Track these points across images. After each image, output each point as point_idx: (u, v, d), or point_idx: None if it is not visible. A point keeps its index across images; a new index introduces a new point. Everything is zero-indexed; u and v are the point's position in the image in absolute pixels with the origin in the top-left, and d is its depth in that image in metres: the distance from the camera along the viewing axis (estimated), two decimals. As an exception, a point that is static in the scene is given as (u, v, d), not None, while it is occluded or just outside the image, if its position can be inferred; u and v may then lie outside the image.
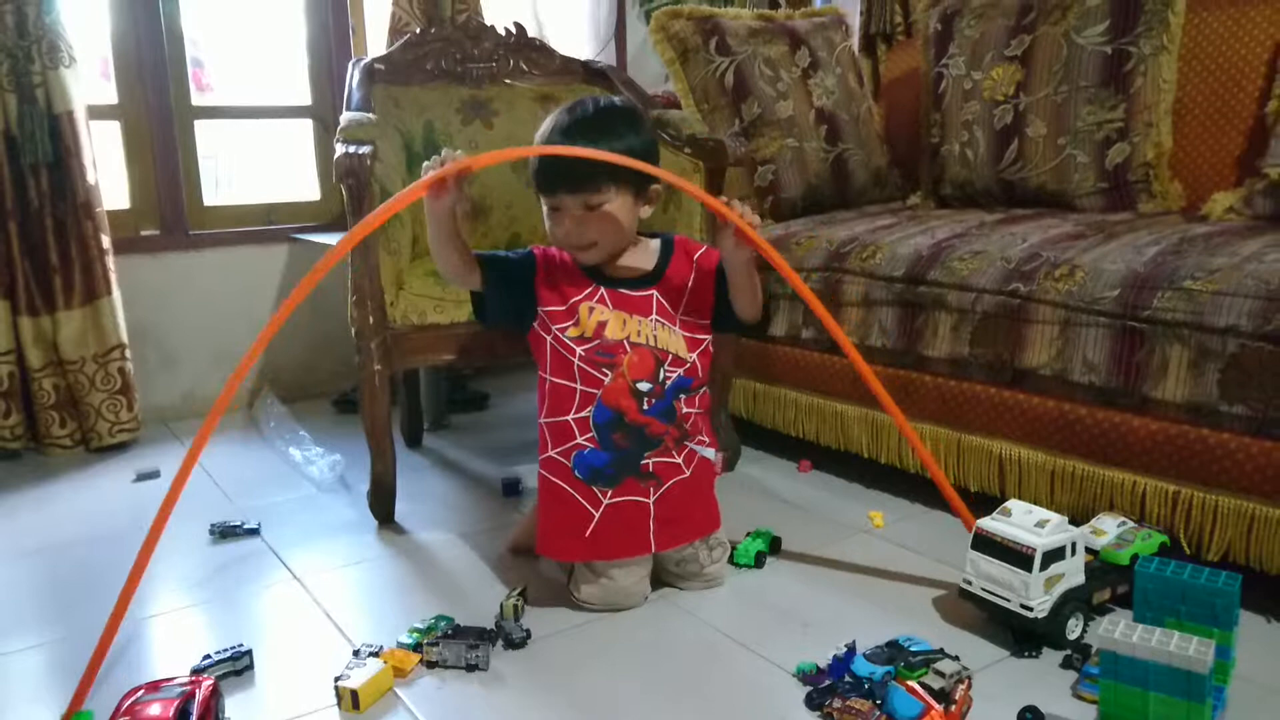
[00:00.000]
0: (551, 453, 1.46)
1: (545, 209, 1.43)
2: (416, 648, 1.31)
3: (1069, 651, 1.28)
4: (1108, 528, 1.44)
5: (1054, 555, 1.28)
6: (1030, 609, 1.27)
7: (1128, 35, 2.02)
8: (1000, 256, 1.71)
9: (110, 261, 2.34)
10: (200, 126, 2.67)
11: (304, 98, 2.83)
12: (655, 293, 1.45)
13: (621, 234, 1.43)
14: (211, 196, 2.72)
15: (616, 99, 1.47)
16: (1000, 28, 2.19)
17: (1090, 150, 2.05)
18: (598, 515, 1.43)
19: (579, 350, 1.42)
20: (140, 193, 2.60)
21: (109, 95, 2.54)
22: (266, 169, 3.01)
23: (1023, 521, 1.32)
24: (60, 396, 2.33)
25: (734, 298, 1.46)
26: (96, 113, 2.38)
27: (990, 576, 1.32)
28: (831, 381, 1.99)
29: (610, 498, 1.44)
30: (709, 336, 1.50)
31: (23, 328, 2.27)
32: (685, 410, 1.46)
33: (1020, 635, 1.31)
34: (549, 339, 1.45)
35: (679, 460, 1.47)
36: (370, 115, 1.84)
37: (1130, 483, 1.53)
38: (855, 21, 2.85)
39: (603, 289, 1.44)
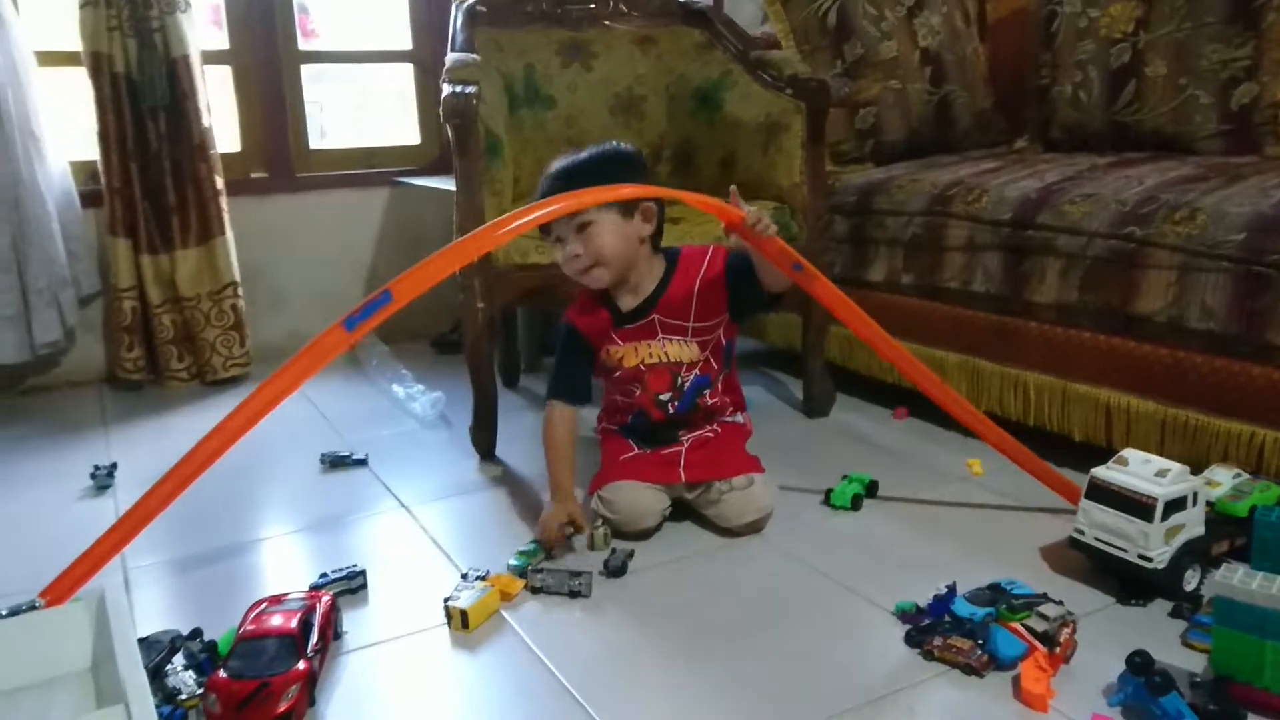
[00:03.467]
0: (604, 425, 1.68)
1: (553, 249, 1.54)
2: (522, 573, 1.36)
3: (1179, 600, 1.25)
4: (1222, 479, 1.39)
5: (1175, 505, 1.25)
6: (1149, 559, 1.24)
7: (1260, -33, 1.91)
8: (1115, 199, 1.65)
9: (224, 203, 2.42)
10: (305, 71, 2.73)
11: (404, 42, 2.87)
12: (656, 317, 1.55)
13: (620, 251, 1.50)
14: (317, 140, 2.79)
15: (607, 146, 1.53)
16: (1120, -38, 2.09)
17: (1214, 90, 1.96)
18: (637, 451, 1.59)
19: (613, 376, 1.60)
20: (249, 136, 2.68)
21: (220, 41, 2.61)
22: (368, 113, 3.07)
23: (1141, 471, 1.28)
24: (178, 332, 2.44)
25: (759, 271, 1.50)
26: (209, 58, 2.46)
27: (1105, 526, 1.28)
28: (930, 327, 1.96)
29: (650, 449, 1.60)
30: (718, 334, 1.57)
31: (144, 265, 2.38)
32: (710, 401, 1.59)
33: (1131, 585, 1.29)
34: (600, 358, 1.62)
35: (711, 426, 1.62)
36: (475, 56, 1.86)
37: (1248, 434, 1.47)
38: (962, -41, 2.75)
39: (614, 329, 1.56)
